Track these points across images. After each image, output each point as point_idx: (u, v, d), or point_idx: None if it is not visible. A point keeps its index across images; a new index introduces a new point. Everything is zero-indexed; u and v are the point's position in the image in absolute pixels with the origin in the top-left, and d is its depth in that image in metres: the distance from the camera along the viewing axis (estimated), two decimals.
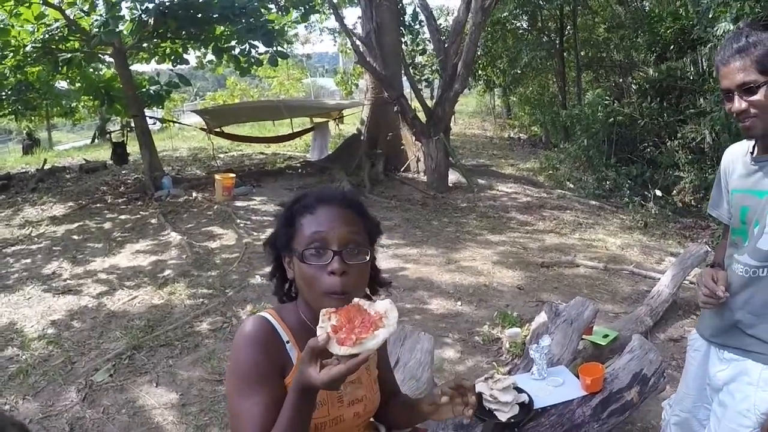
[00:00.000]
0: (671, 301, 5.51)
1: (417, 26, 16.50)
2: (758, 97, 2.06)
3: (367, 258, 1.76)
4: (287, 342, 1.76)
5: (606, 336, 4.30)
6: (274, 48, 12.08)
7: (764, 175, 2.18)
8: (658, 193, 11.71)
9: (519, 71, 19.33)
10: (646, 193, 11.84)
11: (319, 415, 1.76)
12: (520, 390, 2.89)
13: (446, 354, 4.74)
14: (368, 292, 1.89)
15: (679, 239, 9.40)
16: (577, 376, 3.07)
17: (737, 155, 2.35)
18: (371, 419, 2.18)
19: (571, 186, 13.23)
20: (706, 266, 2.51)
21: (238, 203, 10.36)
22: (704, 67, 11.99)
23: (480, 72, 20.52)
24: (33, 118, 22.37)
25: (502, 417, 2.72)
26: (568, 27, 18.78)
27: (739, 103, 2.09)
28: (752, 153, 2.25)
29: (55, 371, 4.78)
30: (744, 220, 2.25)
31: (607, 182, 12.79)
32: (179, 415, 4.04)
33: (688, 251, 6.18)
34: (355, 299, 1.53)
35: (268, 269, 1.92)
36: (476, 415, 2.77)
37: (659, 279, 5.94)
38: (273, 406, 1.58)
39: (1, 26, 10.83)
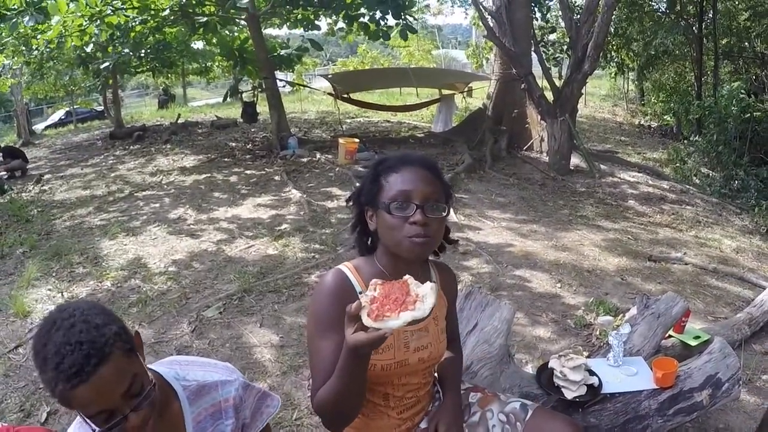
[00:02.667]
0: None
1: (549, 2, 16.22)
2: None
3: (445, 213, 1.94)
4: (360, 292, 1.94)
5: (697, 337, 4.19)
6: (403, 20, 12.19)
7: None
8: None
9: (653, 52, 18.58)
10: None
11: (386, 358, 1.97)
12: (592, 373, 2.94)
13: (537, 332, 4.79)
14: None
15: None
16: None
17: None
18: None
19: (697, 182, 12.73)
20: None
21: (359, 167, 10.56)
22: None
23: (613, 53, 19.95)
24: (169, 75, 23.37)
25: (568, 395, 2.78)
26: (709, 12, 17.92)
27: None
28: None
29: (170, 304, 5.18)
30: None
31: (735, 181, 12.21)
32: (277, 355, 4.29)
33: None
34: (406, 276, 1.67)
35: None
36: (543, 389, 2.86)
37: (767, 288, 5.61)
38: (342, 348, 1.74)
39: None
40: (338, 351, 1.76)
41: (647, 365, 3.11)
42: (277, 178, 10.13)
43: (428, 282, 1.64)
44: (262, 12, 12.52)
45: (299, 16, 13.66)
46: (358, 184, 2.10)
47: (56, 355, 1.47)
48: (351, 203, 2.10)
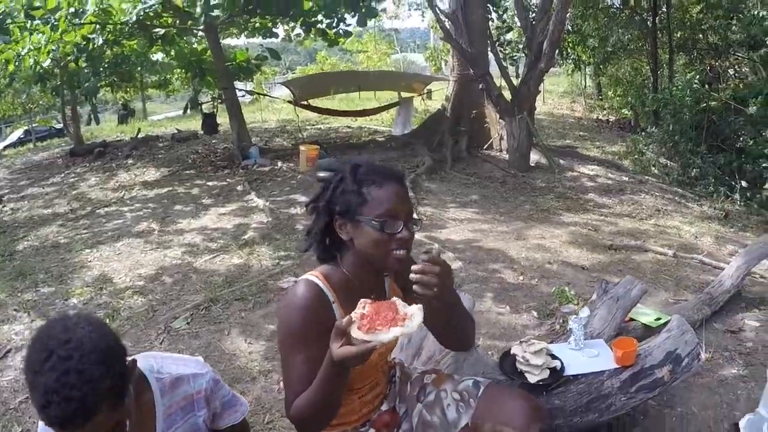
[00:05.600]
0: (733, 292, 5.36)
1: (505, 3, 16.34)
2: None
3: (419, 226, 2.07)
4: (333, 302, 2.03)
5: (658, 319, 4.32)
6: (363, 7, 12.28)
7: None
8: (744, 184, 11.32)
9: (610, 48, 18.88)
10: (733, 183, 11.49)
11: None
12: (554, 357, 3.04)
13: (503, 323, 4.89)
14: None
15: (759, 233, 9.02)
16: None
17: None
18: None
19: (656, 172, 12.97)
20: None
21: (322, 174, 10.59)
22: None
23: (569, 50, 20.22)
24: (128, 89, 23.11)
25: (531, 379, 2.86)
26: (663, 6, 18.20)
27: None
28: None
29: (138, 317, 5.18)
30: None
31: (693, 170, 12.46)
32: (246, 361, 4.33)
33: (758, 242, 6.04)
34: (394, 298, 1.78)
35: None
36: (507, 375, 2.94)
37: (725, 269, 5.80)
38: (319, 359, 1.81)
39: (104, 7, 11.30)
40: (314, 363, 1.84)
41: (608, 346, 3.21)
42: (239, 187, 10.14)
43: (415, 304, 1.75)
44: (219, 22, 12.53)
45: (257, 25, 13.68)
46: (321, 190, 2.12)
47: (44, 397, 1.49)
48: (313, 210, 2.13)
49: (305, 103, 13.90)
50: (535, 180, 10.84)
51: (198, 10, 10.85)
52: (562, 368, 2.96)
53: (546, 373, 2.89)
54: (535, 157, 12.03)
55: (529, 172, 11.38)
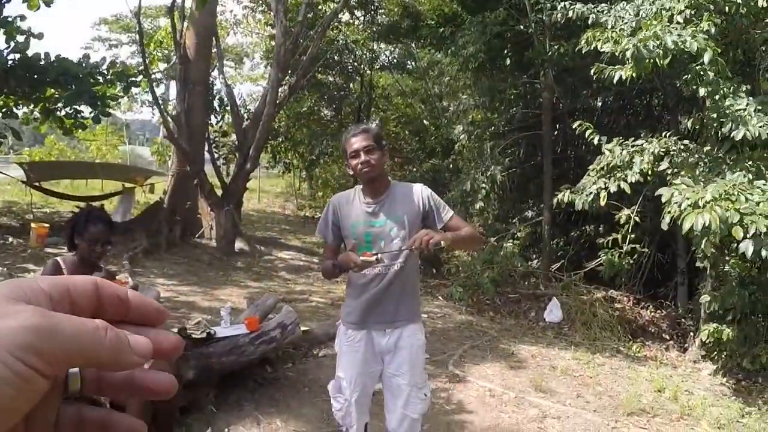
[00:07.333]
0: None
1: (223, 111, 18.18)
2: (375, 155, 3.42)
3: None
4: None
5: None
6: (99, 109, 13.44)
7: (376, 212, 3.52)
8: None
9: (314, 157, 21.26)
10: None
11: None
12: (209, 329, 5.42)
13: None
14: None
15: None
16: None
17: (344, 201, 3.63)
18: None
19: None
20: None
21: (49, 250, 12.13)
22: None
23: (282, 155, 22.49)
24: None
25: (196, 335, 5.23)
26: (365, 120, 20.78)
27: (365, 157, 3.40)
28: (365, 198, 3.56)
29: None
30: (369, 240, 3.46)
31: None
32: None
33: None
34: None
35: None
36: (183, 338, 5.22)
37: None
38: None
39: None
40: None
41: (243, 324, 5.61)
42: None
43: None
44: None
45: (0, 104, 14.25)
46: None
47: None
48: None
49: (38, 184, 15.14)
50: (237, 262, 13.10)
51: None
52: (215, 333, 5.32)
53: (204, 335, 5.24)
54: (239, 245, 14.18)
55: (233, 256, 13.58)
